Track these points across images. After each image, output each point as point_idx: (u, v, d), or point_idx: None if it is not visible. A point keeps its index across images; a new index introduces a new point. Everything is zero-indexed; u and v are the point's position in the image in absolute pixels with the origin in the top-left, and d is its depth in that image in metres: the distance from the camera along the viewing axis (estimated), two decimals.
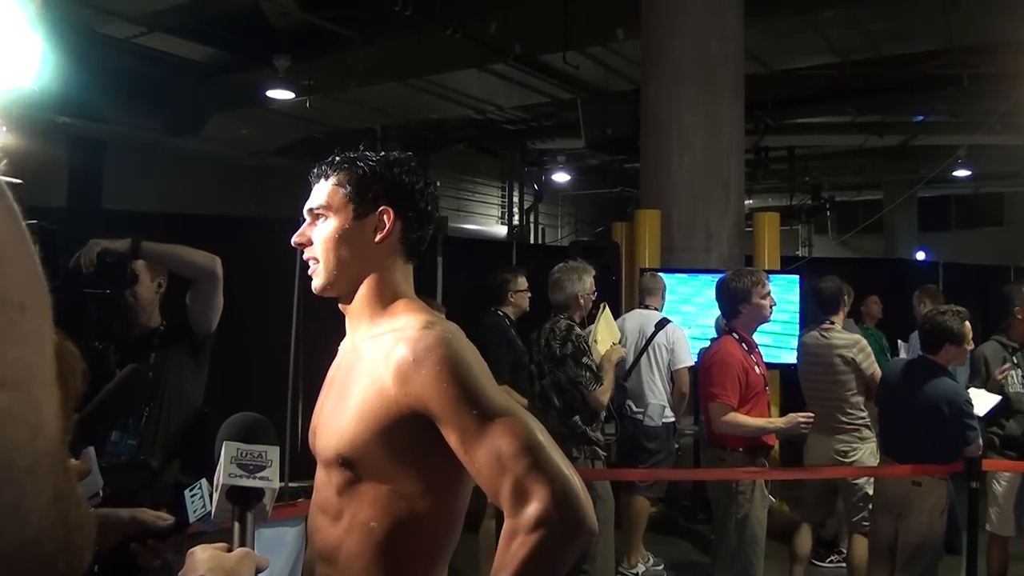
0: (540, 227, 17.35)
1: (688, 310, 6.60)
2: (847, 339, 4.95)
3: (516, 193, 16.79)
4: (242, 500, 1.36)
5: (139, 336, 3.03)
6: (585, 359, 4.24)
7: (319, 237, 1.63)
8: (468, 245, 9.31)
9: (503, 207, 17.45)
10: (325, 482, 1.61)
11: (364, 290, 1.63)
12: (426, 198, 1.67)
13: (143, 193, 11.28)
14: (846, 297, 5.29)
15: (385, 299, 1.63)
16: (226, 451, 1.38)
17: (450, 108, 11.91)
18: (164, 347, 3.00)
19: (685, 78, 7.29)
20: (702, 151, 7.30)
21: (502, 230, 17.02)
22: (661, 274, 6.25)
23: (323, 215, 1.63)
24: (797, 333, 5.56)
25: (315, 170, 1.67)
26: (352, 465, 1.54)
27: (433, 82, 10.60)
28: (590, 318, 4.63)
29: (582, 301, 4.45)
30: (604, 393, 4.24)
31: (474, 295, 6.10)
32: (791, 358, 5.48)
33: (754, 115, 10.77)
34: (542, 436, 1.44)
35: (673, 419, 5.81)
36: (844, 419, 4.86)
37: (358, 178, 1.63)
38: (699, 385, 4.36)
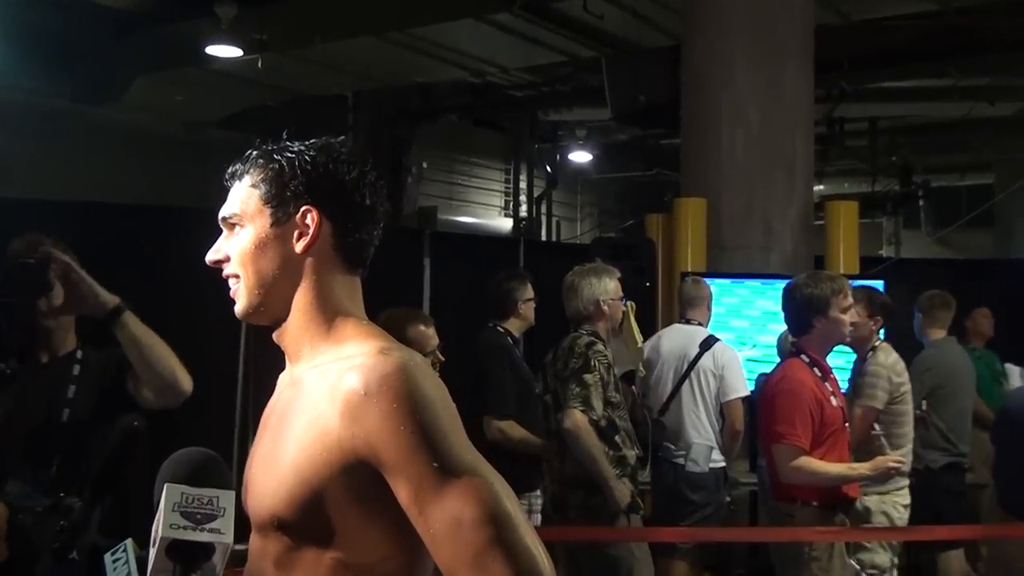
0: (554, 220, 17.33)
1: (740, 325, 6.59)
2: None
3: (524, 177, 16.78)
4: (186, 558, 1.37)
5: (50, 363, 3.02)
6: (588, 377, 4.30)
7: (235, 251, 1.69)
8: (463, 243, 9.32)
9: (507, 195, 17.46)
10: (260, 551, 1.63)
11: (297, 312, 1.67)
12: (362, 190, 1.70)
13: (50, 177, 11.29)
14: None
15: (325, 320, 1.67)
16: (168, 496, 1.39)
17: (440, 69, 11.92)
18: (87, 381, 2.99)
19: (738, 30, 7.30)
20: (760, 123, 7.30)
21: (506, 224, 17.02)
22: (707, 280, 6.24)
23: (238, 224, 1.69)
24: None
25: (229, 170, 1.74)
26: (290, 529, 1.57)
27: (418, 36, 10.62)
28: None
29: (606, 308, 4.45)
30: (578, 427, 4.24)
31: (470, 306, 6.09)
32: None
33: (827, 77, 10.74)
34: (511, 506, 1.48)
35: (723, 464, 5.80)
36: None
37: (273, 174, 1.67)
38: (759, 422, 4.34)
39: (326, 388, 1.55)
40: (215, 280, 1.76)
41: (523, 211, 16.69)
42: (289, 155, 1.68)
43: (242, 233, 1.68)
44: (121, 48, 11.49)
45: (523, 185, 16.81)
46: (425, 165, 15.02)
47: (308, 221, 1.65)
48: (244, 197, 1.69)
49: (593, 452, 4.28)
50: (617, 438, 4.38)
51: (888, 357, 5.16)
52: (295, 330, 1.67)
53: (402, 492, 1.49)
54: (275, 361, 1.77)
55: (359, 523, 1.54)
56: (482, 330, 5.30)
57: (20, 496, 2.81)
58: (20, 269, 2.80)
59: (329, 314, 1.66)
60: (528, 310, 5.36)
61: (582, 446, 4.28)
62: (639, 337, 4.96)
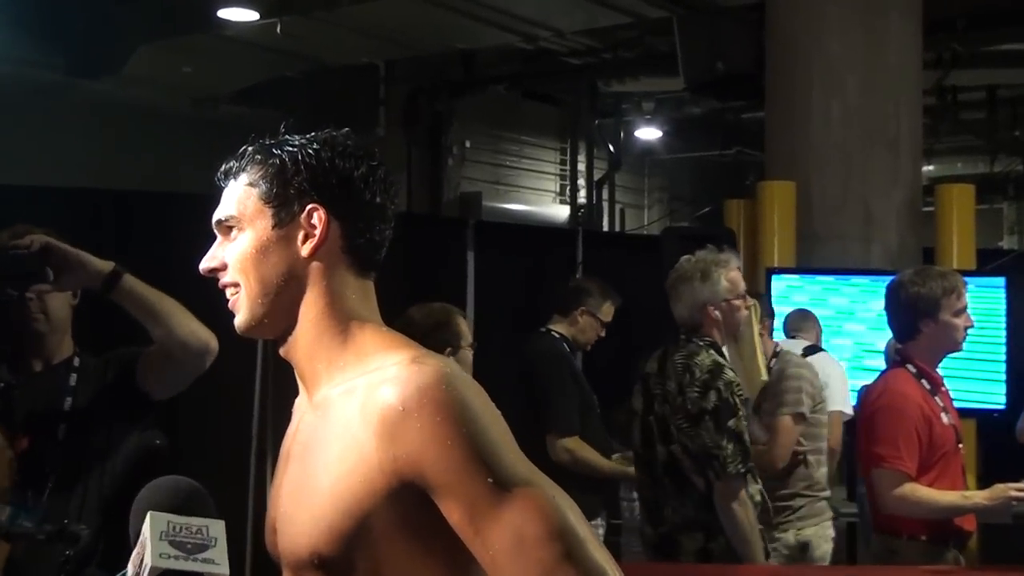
0: (617, 207, 17.31)
1: (856, 329, 6.55)
2: None
3: (582, 158, 16.77)
4: None
5: (43, 371, 3.06)
6: (733, 422, 4.04)
7: (234, 257, 1.73)
8: (512, 234, 9.32)
9: (563, 178, 17.45)
10: None
11: (307, 322, 1.72)
12: (372, 187, 1.75)
13: (40, 159, 11.44)
14: None
15: (340, 330, 1.71)
16: (152, 525, 1.42)
17: (486, 33, 11.93)
18: (86, 391, 3.03)
19: None
20: (859, 93, 7.25)
21: (562, 212, 17.00)
22: (801, 276, 6.24)
23: (236, 227, 1.74)
24: (1002, 361, 5.50)
25: (223, 168, 1.80)
26: (333, 566, 1.60)
27: None
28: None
29: (716, 315, 4.21)
30: (742, 501, 4.04)
31: (520, 307, 6.11)
32: (998, 400, 5.42)
33: (937, 39, 10.62)
34: (575, 519, 1.54)
35: None
36: None
37: (274, 171, 1.73)
38: (858, 442, 4.32)
39: (356, 408, 1.59)
40: None
41: (581, 197, 16.68)
42: (290, 149, 1.73)
43: (240, 237, 1.73)
44: (121, 13, 11.59)
45: (581, 167, 16.79)
46: (468, 145, 15.05)
47: (315, 221, 1.70)
48: (241, 197, 1.74)
49: (749, 536, 4.07)
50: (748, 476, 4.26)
51: (797, 359, 5.25)
52: (307, 344, 1.72)
53: (455, 514, 1.53)
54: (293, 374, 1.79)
55: (409, 553, 1.59)
56: (533, 335, 5.31)
57: (14, 523, 2.84)
58: (10, 261, 2.83)
59: (343, 323, 1.71)
60: (589, 325, 5.39)
61: (739, 528, 4.07)
62: (762, 360, 4.83)
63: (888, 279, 4.33)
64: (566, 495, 1.57)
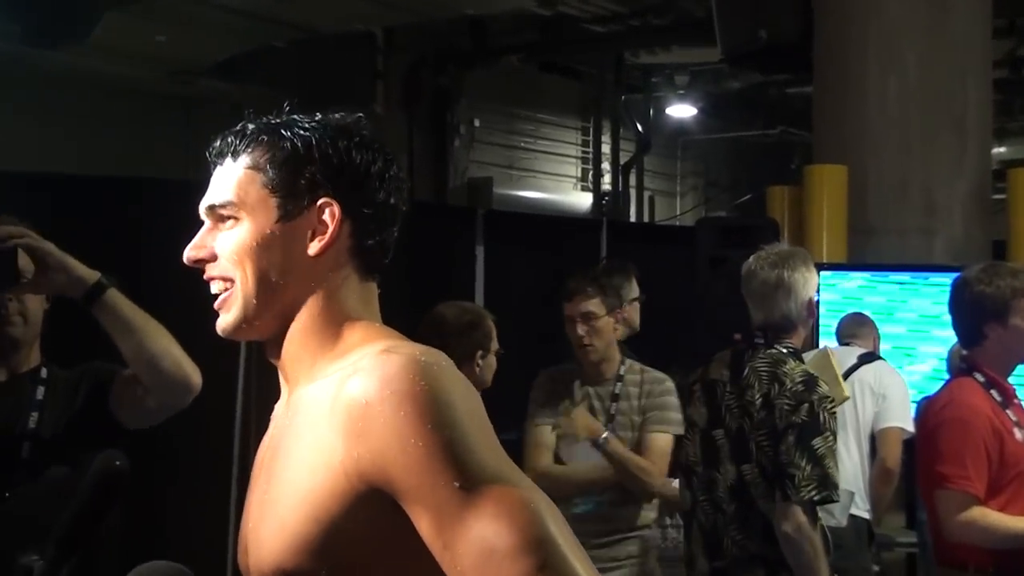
0: (646, 195, 17.32)
1: (895, 331, 6.55)
2: None
3: (606, 139, 16.77)
4: None
5: (7, 381, 3.07)
6: (818, 442, 3.96)
7: (228, 249, 1.73)
8: (527, 225, 9.32)
9: (585, 162, 17.45)
10: None
11: (300, 326, 1.74)
12: (387, 185, 1.77)
13: None
14: None
15: (332, 332, 1.74)
16: None
17: None
18: (54, 408, 3.04)
19: None
20: (920, 66, 7.25)
21: (584, 200, 17.02)
22: (849, 273, 6.24)
23: (232, 215, 1.74)
24: None
25: (216, 144, 1.79)
26: None
27: None
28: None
29: (805, 314, 4.19)
30: (801, 532, 3.93)
31: (535, 306, 6.10)
32: None
33: (1009, 4, 10.59)
34: (555, 526, 1.52)
35: (868, 516, 5.81)
36: None
37: (284, 157, 1.73)
38: (918, 461, 4.31)
39: (326, 404, 1.61)
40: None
41: (605, 183, 16.69)
42: (302, 133, 1.73)
43: (238, 228, 1.73)
44: None
45: (605, 149, 16.80)
46: (477, 124, 15.06)
47: (326, 217, 1.72)
48: (242, 182, 1.74)
49: (816, 565, 4.00)
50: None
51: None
52: (296, 347, 1.74)
53: (423, 523, 1.53)
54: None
55: (382, 567, 1.59)
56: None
57: None
58: None
59: (338, 325, 1.73)
60: (634, 312, 5.40)
61: (805, 558, 4.00)
62: (838, 367, 4.81)
63: (952, 277, 4.32)
64: (546, 497, 1.56)
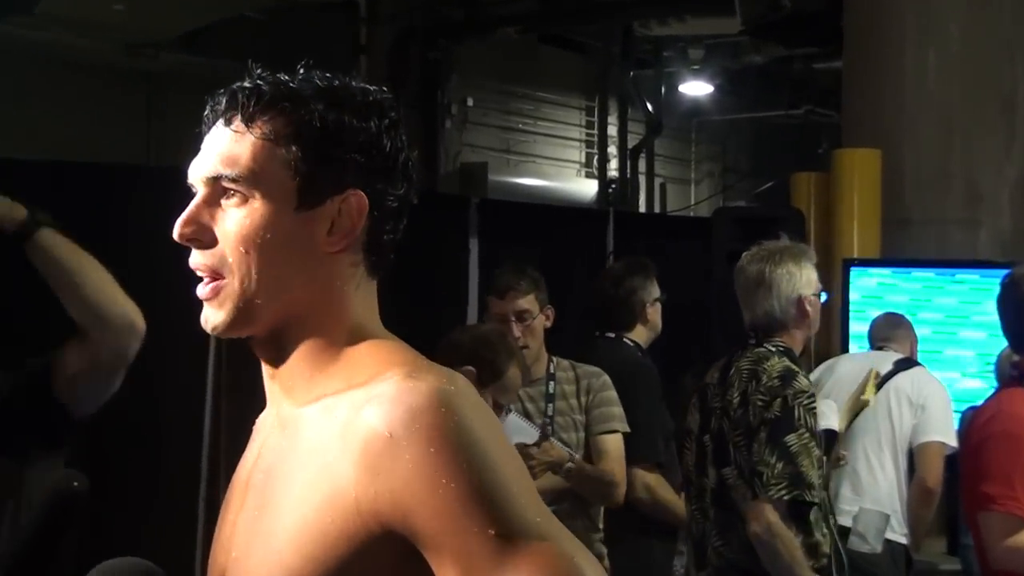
0: (657, 182, 17.33)
1: (920, 333, 6.55)
2: None
3: (613, 120, 16.78)
4: None
5: None
6: (791, 438, 4.07)
7: (232, 234, 1.65)
8: (526, 215, 9.31)
9: (589, 146, 17.47)
10: None
11: (303, 329, 1.68)
12: (409, 172, 1.74)
13: None
14: None
15: (337, 340, 1.68)
16: None
17: None
18: None
19: None
20: (962, 39, 7.25)
21: (589, 187, 17.03)
22: (880, 270, 6.24)
23: (239, 192, 1.65)
24: None
25: (222, 99, 1.69)
26: None
27: None
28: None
29: (809, 309, 4.29)
30: (772, 533, 4.06)
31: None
32: None
33: None
34: None
35: (906, 540, 5.80)
36: None
37: (314, 134, 1.65)
38: (962, 479, 4.31)
39: (336, 429, 1.56)
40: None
41: (612, 169, 16.70)
42: (333, 108, 1.66)
43: (247, 209, 1.64)
44: None
45: (612, 132, 16.81)
46: (471, 103, 15.06)
47: (352, 210, 1.66)
48: (259, 155, 1.65)
49: (794, 569, 4.08)
50: (811, 515, 4.29)
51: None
52: (295, 353, 1.68)
53: (446, 572, 1.49)
54: (256, 387, 1.78)
55: None
56: (603, 343, 5.34)
57: None
58: None
59: (343, 332, 1.68)
60: (656, 314, 5.46)
61: (780, 560, 4.09)
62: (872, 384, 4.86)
63: (999, 274, 4.32)
64: (587, 552, 1.54)
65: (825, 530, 4.26)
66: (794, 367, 4.21)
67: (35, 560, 2.33)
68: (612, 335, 5.38)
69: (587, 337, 5.36)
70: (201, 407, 6.03)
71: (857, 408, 5.23)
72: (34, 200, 3.10)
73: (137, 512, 5.56)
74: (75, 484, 2.22)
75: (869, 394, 5.18)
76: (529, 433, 4.59)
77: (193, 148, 1.70)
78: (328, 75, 1.71)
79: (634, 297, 5.38)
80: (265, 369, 1.73)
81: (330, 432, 1.57)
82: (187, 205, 1.67)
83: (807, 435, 4.10)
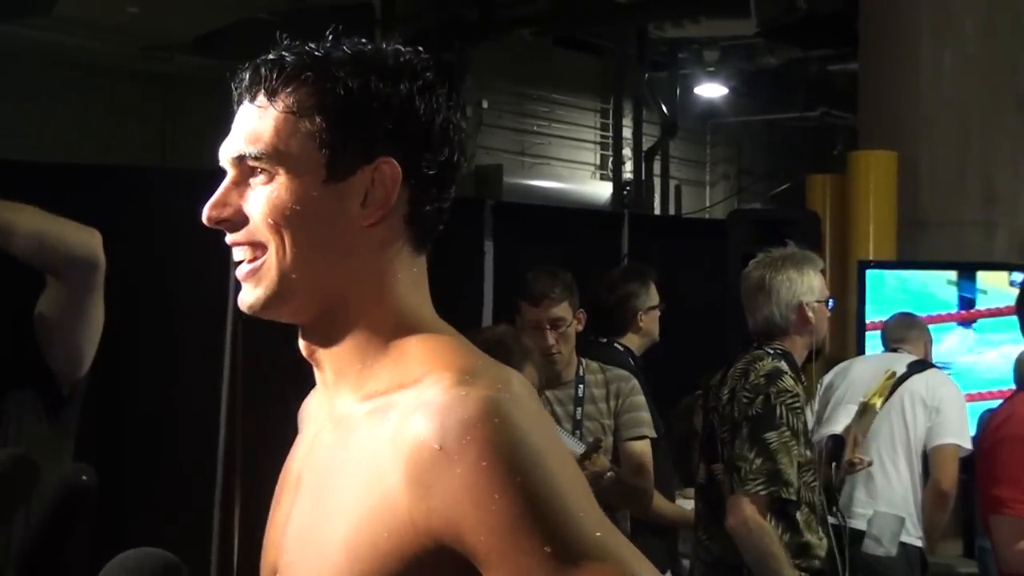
0: (672, 184, 17.31)
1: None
2: None
3: (628, 122, 16.76)
4: None
5: None
6: (771, 436, 4.15)
7: (260, 210, 1.60)
8: (541, 217, 9.33)
9: (604, 148, 17.46)
10: None
11: (347, 313, 1.63)
12: (452, 137, 1.66)
13: None
14: None
15: (385, 327, 1.62)
16: None
17: None
18: None
19: None
20: (979, 37, 7.23)
21: (603, 189, 17.02)
22: (895, 272, 6.24)
23: (267, 169, 1.60)
24: None
25: (245, 75, 1.65)
26: None
27: None
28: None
29: (811, 314, 4.34)
30: (749, 526, 4.11)
31: None
32: None
33: None
34: None
35: (921, 543, 5.78)
36: None
37: (338, 102, 1.60)
38: (977, 483, 4.31)
39: (387, 436, 1.51)
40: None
41: (627, 171, 16.69)
42: (358, 73, 1.60)
43: (274, 185, 1.60)
44: None
45: (627, 134, 16.80)
46: (485, 105, 15.07)
47: (385, 180, 1.60)
48: (281, 130, 1.60)
49: (771, 563, 4.14)
50: (799, 515, 4.32)
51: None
52: (343, 341, 1.63)
53: None
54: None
55: None
56: (595, 347, 5.35)
57: None
58: None
59: (390, 317, 1.63)
60: (652, 322, 5.48)
61: (756, 553, 4.15)
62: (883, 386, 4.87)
63: (1018, 276, 4.33)
64: (653, 568, 1.51)
65: (822, 534, 4.32)
66: (783, 367, 4.27)
67: (44, 555, 2.31)
68: (604, 340, 5.39)
69: (581, 341, 5.37)
70: (216, 404, 6.04)
71: (864, 413, 5.23)
72: (48, 202, 3.10)
73: (152, 508, 5.58)
74: (84, 478, 2.20)
75: (875, 400, 5.18)
76: (571, 447, 4.57)
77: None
78: (360, 40, 1.66)
79: (627, 304, 5.41)
80: (313, 362, 1.67)
81: (380, 436, 1.52)
82: (202, 205, 1.64)
83: (788, 433, 4.17)
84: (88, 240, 2.98)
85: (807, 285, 4.33)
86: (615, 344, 5.39)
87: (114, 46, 13.40)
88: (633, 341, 5.43)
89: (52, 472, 3.07)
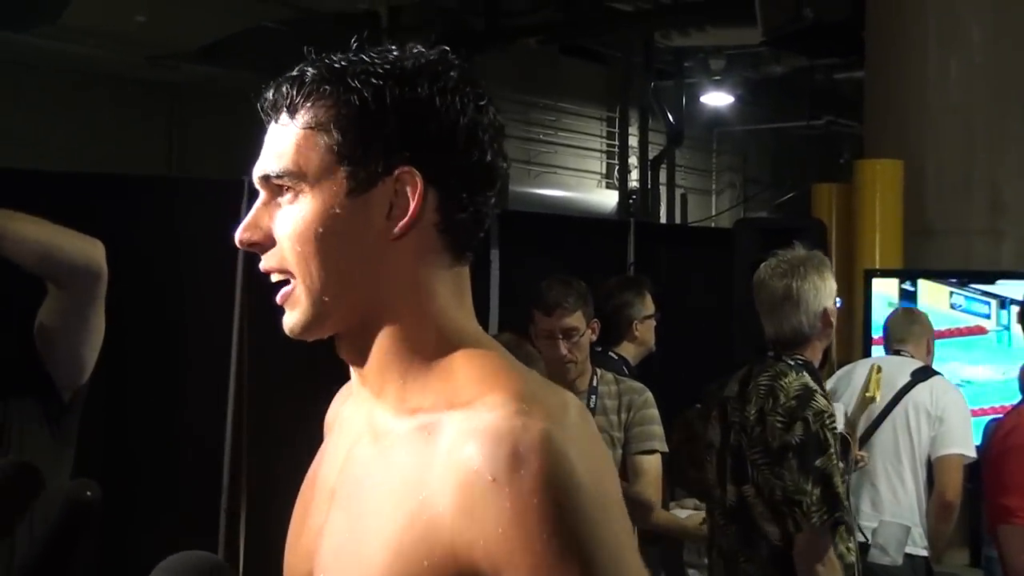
0: (678, 193, 17.32)
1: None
2: None
3: (634, 130, 16.76)
4: None
5: None
6: (821, 461, 4.04)
7: (287, 233, 1.58)
8: (547, 226, 9.32)
9: (610, 156, 17.46)
10: None
11: (383, 325, 1.60)
12: (482, 139, 1.62)
13: None
14: None
15: (425, 339, 1.59)
16: None
17: None
18: None
19: None
20: (986, 46, 7.22)
21: (609, 198, 17.04)
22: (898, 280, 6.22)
23: (292, 188, 1.59)
24: None
25: (269, 95, 1.63)
26: None
27: None
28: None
29: (833, 320, 4.27)
30: (821, 560, 4.02)
31: None
32: None
33: None
34: None
35: (927, 553, 5.77)
36: None
37: (353, 113, 1.57)
38: (985, 492, 4.30)
39: (436, 459, 1.47)
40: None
41: (633, 180, 16.69)
42: (374, 80, 1.57)
43: (299, 205, 1.58)
44: None
45: (633, 142, 16.80)
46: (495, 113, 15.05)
47: (407, 189, 1.56)
48: (302, 146, 1.58)
49: None
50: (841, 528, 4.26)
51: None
52: (379, 352, 1.60)
53: None
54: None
55: None
56: (590, 357, 5.36)
57: None
58: None
59: (430, 329, 1.59)
60: (647, 331, 5.50)
61: None
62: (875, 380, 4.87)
63: (1017, 285, 4.32)
64: None
65: (850, 543, 4.26)
66: (811, 384, 4.17)
67: (48, 571, 2.31)
68: (599, 349, 5.36)
69: None
70: (223, 412, 6.05)
71: (865, 407, 5.21)
72: (53, 211, 3.11)
73: (158, 515, 5.58)
74: (88, 493, 2.19)
75: (874, 390, 5.16)
76: None
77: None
78: (388, 48, 1.63)
79: (622, 313, 5.43)
80: (353, 371, 1.65)
81: (429, 458, 1.48)
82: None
83: (832, 454, 4.08)
84: (90, 250, 2.98)
85: (829, 289, 4.25)
86: (610, 353, 5.40)
87: (120, 55, 13.41)
88: (628, 350, 5.46)
89: (54, 480, 3.09)
